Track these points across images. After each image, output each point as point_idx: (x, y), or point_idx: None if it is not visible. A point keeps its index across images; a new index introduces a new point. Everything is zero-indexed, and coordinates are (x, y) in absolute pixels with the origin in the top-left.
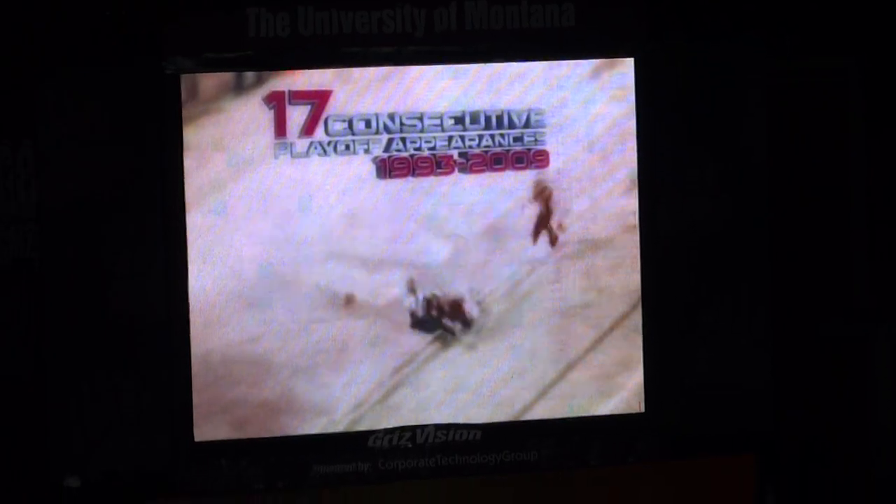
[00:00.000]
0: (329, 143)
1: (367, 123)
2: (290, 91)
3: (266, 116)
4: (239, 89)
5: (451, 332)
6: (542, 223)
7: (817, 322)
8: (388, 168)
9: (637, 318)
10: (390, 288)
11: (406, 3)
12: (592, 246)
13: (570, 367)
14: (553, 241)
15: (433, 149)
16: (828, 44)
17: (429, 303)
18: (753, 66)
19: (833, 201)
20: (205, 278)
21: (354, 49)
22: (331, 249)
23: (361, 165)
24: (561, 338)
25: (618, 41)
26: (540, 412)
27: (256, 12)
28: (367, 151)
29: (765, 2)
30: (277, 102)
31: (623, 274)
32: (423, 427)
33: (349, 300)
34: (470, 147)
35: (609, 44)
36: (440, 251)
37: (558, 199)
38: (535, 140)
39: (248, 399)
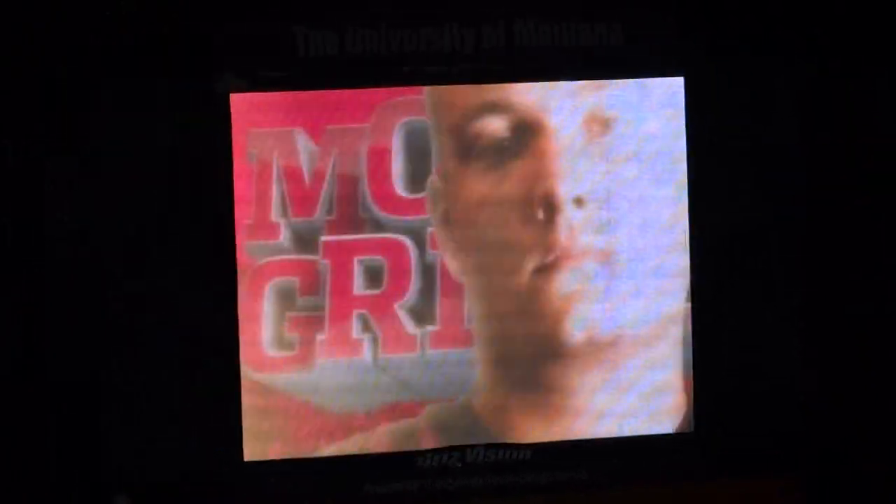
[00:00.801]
0: None
1: None
2: None
3: None
4: None
5: None
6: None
7: (868, 338)
8: None
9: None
10: None
11: (454, 21)
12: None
13: (619, 386)
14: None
15: None
16: (872, 60)
17: None
18: (798, 79)
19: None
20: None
21: (403, 68)
22: None
23: None
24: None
25: (666, 59)
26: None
27: (305, 31)
28: None
29: (811, 17)
30: None
31: (670, 292)
32: (472, 446)
33: None
34: None
35: (658, 62)
36: None
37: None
38: None
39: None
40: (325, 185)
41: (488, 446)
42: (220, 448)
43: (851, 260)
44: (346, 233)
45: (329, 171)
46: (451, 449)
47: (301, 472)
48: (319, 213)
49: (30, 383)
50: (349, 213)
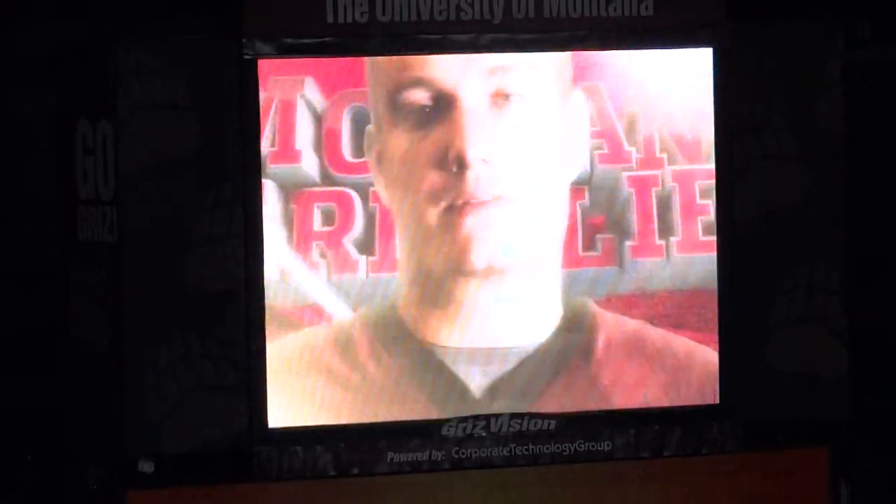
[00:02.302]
0: None
1: None
2: None
3: None
4: None
5: None
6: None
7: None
8: None
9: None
10: None
11: None
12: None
13: (646, 357)
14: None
15: None
16: None
17: None
18: (830, 46)
19: None
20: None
21: (432, 35)
22: None
23: None
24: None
25: (696, 30)
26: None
27: None
28: None
29: None
30: None
31: (697, 264)
32: (497, 416)
33: None
34: None
35: (687, 33)
36: None
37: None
38: None
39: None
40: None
41: (513, 416)
42: (245, 413)
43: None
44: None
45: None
46: (475, 418)
47: (325, 440)
48: None
49: (53, 350)
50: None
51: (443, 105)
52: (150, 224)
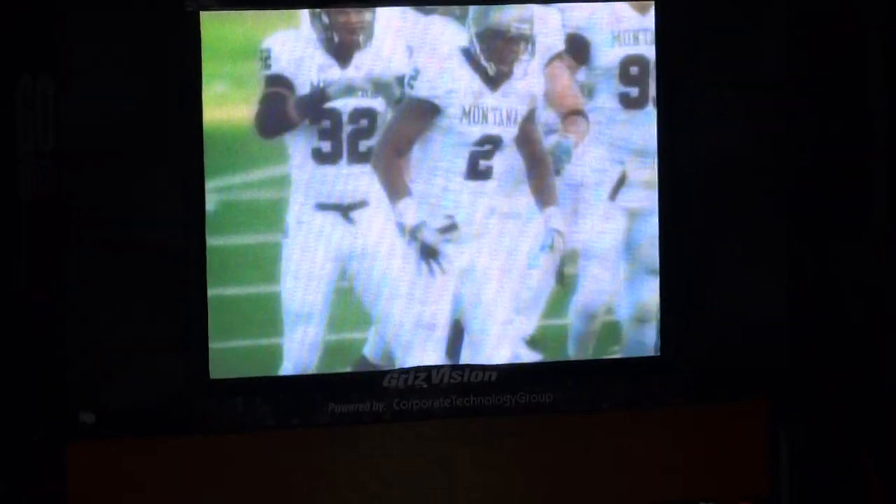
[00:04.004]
0: None
1: None
2: None
3: None
4: None
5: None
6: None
7: (834, 257)
8: None
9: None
10: None
11: None
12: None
13: (586, 307)
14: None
15: None
16: None
17: None
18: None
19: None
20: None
21: None
22: None
23: None
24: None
25: None
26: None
27: None
28: None
29: None
30: None
31: (640, 214)
32: (438, 367)
33: None
34: None
35: None
36: None
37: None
38: None
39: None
40: None
41: (454, 367)
42: (185, 365)
43: (832, 190)
44: None
45: None
46: (416, 370)
47: (265, 392)
48: None
49: None
50: None
51: None
52: (91, 179)
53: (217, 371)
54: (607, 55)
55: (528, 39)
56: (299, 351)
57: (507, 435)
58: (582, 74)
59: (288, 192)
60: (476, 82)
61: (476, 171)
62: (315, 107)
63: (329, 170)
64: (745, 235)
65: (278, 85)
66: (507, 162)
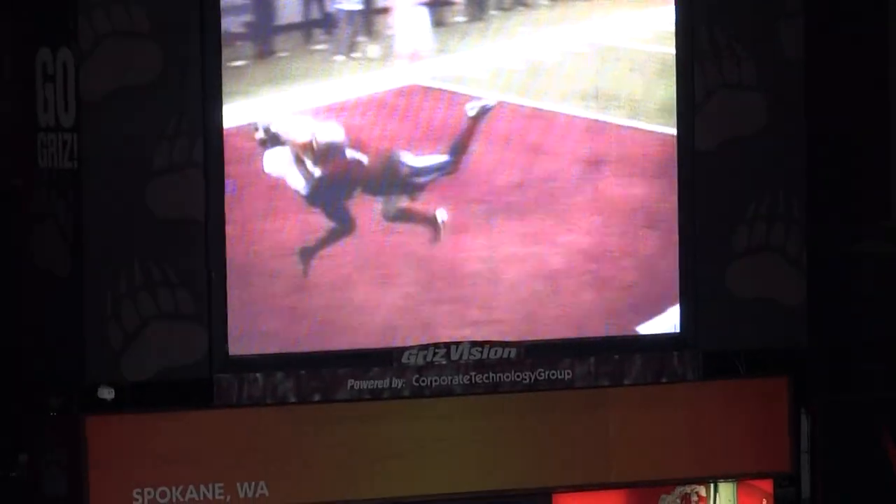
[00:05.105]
0: None
1: None
2: None
3: None
4: None
5: None
6: None
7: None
8: None
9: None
10: None
11: None
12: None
13: (605, 286)
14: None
15: None
16: None
17: None
18: None
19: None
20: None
21: None
22: None
23: None
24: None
25: None
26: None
27: None
28: None
29: None
30: None
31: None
32: (457, 344)
33: None
34: None
35: None
36: None
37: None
38: None
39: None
40: None
41: (473, 343)
42: (206, 340)
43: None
44: None
45: None
46: (435, 346)
47: (285, 367)
48: None
49: (15, 278)
50: None
51: None
52: (110, 151)
53: (237, 347)
54: None
55: None
56: None
57: (527, 411)
58: None
59: None
60: None
61: None
62: None
63: None
64: (765, 214)
65: None
66: None
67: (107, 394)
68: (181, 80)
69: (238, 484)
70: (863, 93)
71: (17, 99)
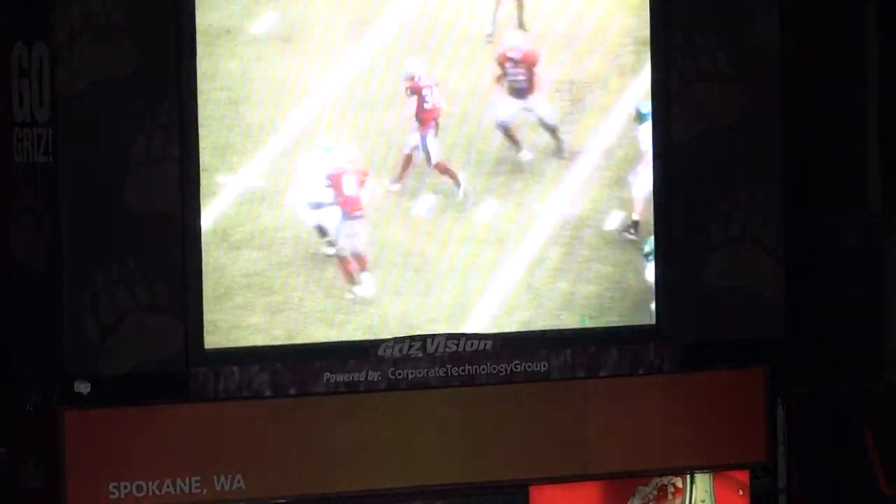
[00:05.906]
0: None
1: None
2: None
3: None
4: None
5: None
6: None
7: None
8: None
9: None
10: None
11: None
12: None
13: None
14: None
15: None
16: None
17: None
18: None
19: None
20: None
21: None
22: None
23: None
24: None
25: None
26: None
27: None
28: None
29: None
30: None
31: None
32: (433, 336)
33: None
34: None
35: None
36: None
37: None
38: None
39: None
40: None
41: (449, 336)
42: (182, 334)
43: (827, 162)
44: None
45: None
46: (411, 338)
47: (261, 361)
48: None
49: None
50: None
51: None
52: (86, 146)
53: (212, 341)
54: None
55: None
56: None
57: (503, 403)
58: None
59: None
60: None
61: None
62: None
63: None
64: (742, 206)
65: None
66: None
67: (83, 388)
68: (157, 74)
69: (215, 477)
70: (840, 84)
71: None
